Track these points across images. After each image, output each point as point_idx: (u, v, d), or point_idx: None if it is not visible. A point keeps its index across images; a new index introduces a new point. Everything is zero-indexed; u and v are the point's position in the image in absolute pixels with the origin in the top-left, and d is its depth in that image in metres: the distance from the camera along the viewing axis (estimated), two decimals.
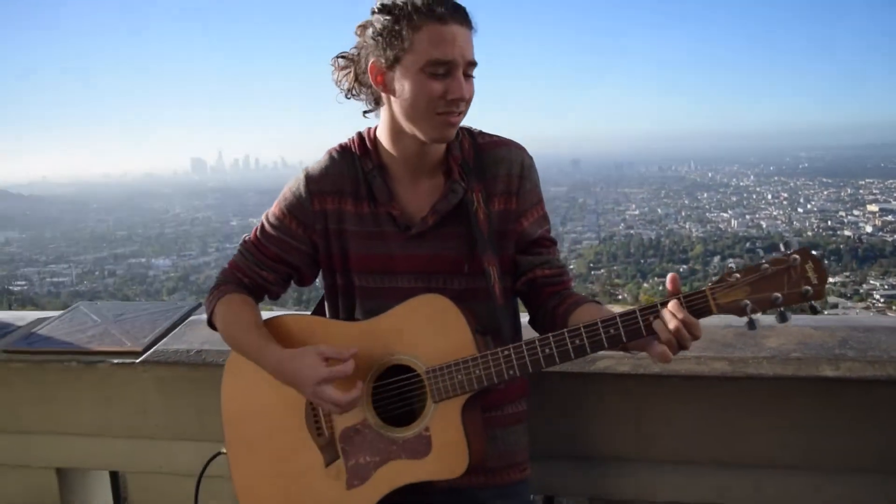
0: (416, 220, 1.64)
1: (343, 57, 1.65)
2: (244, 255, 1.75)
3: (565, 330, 1.45)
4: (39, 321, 2.55)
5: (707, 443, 1.98)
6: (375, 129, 1.67)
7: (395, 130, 1.60)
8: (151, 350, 2.28)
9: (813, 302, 1.33)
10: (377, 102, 1.63)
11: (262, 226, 1.73)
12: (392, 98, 1.55)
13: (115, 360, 2.28)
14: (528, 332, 1.63)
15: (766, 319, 1.39)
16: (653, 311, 1.39)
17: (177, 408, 2.27)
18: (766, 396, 1.92)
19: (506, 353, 1.48)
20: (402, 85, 1.51)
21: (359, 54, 1.60)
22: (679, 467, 2.01)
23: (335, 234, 1.68)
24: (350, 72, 1.64)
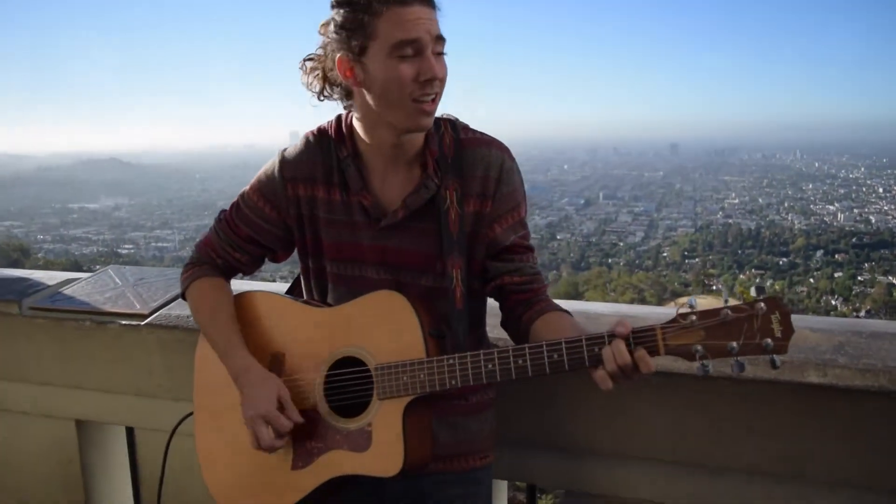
0: (387, 212, 1.62)
1: (310, 59, 1.63)
2: (218, 234, 1.77)
3: (510, 348, 1.43)
4: (68, 281, 2.70)
5: (684, 444, 1.90)
6: (352, 115, 1.64)
7: (370, 121, 1.57)
8: (156, 314, 2.38)
9: (774, 356, 1.25)
10: (349, 96, 1.61)
11: (238, 205, 1.75)
12: (364, 91, 1.52)
13: (123, 322, 2.40)
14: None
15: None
16: (599, 342, 1.35)
17: (177, 369, 2.37)
18: (747, 400, 1.82)
19: (450, 362, 1.47)
20: (372, 75, 1.48)
21: (325, 53, 1.59)
22: (655, 466, 1.94)
23: (308, 220, 1.68)
24: (319, 72, 1.62)
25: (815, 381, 1.74)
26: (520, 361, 1.41)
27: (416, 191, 1.59)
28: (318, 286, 1.73)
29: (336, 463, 1.58)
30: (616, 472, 1.98)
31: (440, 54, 1.49)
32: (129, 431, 2.66)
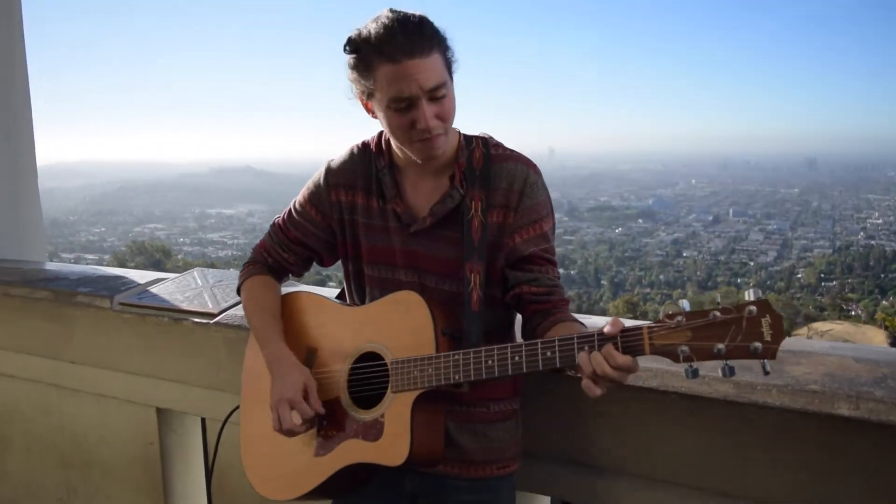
0: (417, 219, 1.73)
1: None
2: (271, 237, 1.94)
3: (509, 345, 1.48)
4: (157, 280, 2.96)
5: (710, 470, 1.85)
6: None
7: (395, 143, 1.71)
8: (224, 314, 2.57)
9: (765, 361, 1.23)
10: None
11: (290, 211, 1.91)
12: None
13: (195, 320, 2.61)
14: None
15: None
16: (589, 340, 1.37)
17: (241, 366, 2.54)
18: (775, 429, 1.75)
19: (455, 357, 1.54)
20: (380, 117, 1.62)
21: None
22: (681, 491, 1.89)
23: (349, 225, 1.82)
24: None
25: (846, 413, 1.65)
26: (516, 358, 1.46)
27: (442, 200, 1.70)
28: (357, 288, 1.86)
29: (351, 451, 1.68)
30: (643, 493, 1.95)
31: (438, 98, 1.56)
32: (204, 421, 2.87)
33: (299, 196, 1.90)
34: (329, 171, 1.83)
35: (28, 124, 3.80)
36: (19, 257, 3.64)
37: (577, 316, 1.71)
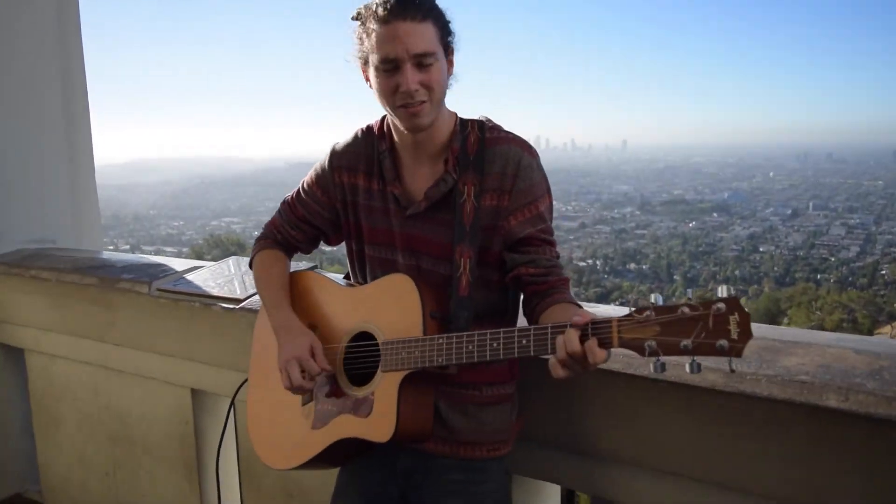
0: (413, 202, 1.78)
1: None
2: (281, 214, 2.03)
3: (488, 332, 1.52)
4: (194, 268, 3.11)
5: (701, 459, 1.84)
6: None
7: (390, 120, 1.77)
8: (249, 299, 2.69)
9: (731, 358, 1.23)
10: None
11: (299, 190, 2.00)
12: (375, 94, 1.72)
13: (224, 305, 2.74)
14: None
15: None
16: (562, 331, 1.39)
17: None
18: (765, 420, 1.73)
19: (440, 341, 1.59)
20: (372, 82, 1.68)
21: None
22: (674, 479, 1.89)
23: (351, 206, 1.89)
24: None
25: (834, 405, 1.63)
26: (494, 345, 1.50)
27: (436, 184, 1.75)
28: (359, 267, 1.93)
29: (344, 426, 1.75)
30: (637, 481, 1.96)
31: (426, 66, 1.62)
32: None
33: (307, 176, 1.98)
34: (333, 154, 1.90)
35: (86, 124, 4.04)
36: (77, 247, 3.88)
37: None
